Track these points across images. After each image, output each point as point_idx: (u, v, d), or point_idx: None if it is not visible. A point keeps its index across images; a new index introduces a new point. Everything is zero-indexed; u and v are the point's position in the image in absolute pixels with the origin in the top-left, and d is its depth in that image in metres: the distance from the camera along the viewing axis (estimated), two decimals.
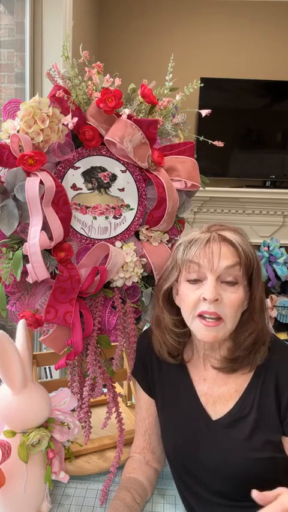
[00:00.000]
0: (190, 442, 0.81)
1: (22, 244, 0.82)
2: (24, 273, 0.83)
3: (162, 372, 0.89)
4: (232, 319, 0.75)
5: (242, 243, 0.76)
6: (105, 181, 0.93)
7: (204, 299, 0.73)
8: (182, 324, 0.83)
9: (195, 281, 0.76)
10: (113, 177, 0.93)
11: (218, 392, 0.81)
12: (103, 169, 0.92)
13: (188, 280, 0.77)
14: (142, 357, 0.93)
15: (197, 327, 0.76)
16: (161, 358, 0.87)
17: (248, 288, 0.78)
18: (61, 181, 0.89)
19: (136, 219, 0.95)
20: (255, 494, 0.58)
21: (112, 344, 0.93)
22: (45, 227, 0.81)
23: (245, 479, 0.76)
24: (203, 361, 0.84)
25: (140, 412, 0.94)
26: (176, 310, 0.83)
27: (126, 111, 0.88)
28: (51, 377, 1.88)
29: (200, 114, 0.98)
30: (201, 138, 1.00)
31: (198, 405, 0.82)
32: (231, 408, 0.79)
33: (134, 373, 0.96)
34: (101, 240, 0.93)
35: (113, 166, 0.93)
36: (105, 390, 0.96)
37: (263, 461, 0.75)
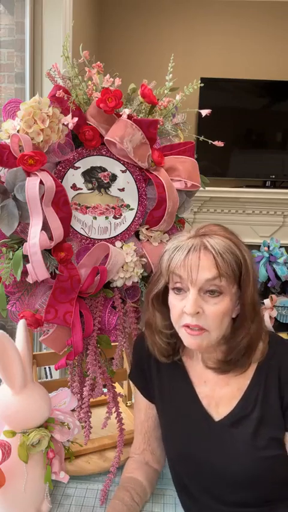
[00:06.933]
0: (192, 446, 0.80)
1: (22, 244, 0.82)
2: (24, 273, 0.83)
3: (161, 375, 0.88)
4: (216, 329, 0.74)
5: (224, 251, 0.72)
6: (105, 181, 0.93)
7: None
8: (171, 325, 0.81)
9: (180, 290, 0.75)
10: (113, 177, 0.93)
11: (221, 393, 0.80)
12: (103, 169, 0.92)
13: (173, 289, 0.77)
14: (140, 362, 0.92)
15: (183, 335, 0.77)
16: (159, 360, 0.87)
17: (238, 294, 0.76)
18: (61, 181, 0.89)
19: (136, 219, 0.95)
20: None
21: (112, 344, 0.93)
22: (45, 227, 0.81)
23: (251, 480, 0.74)
24: (202, 362, 0.83)
25: (139, 415, 0.93)
26: (169, 312, 0.81)
27: (126, 111, 0.88)
28: (51, 377, 1.88)
29: (200, 114, 0.98)
30: (201, 138, 1.00)
31: (199, 407, 0.81)
32: (234, 407, 0.78)
33: (132, 379, 0.95)
34: (101, 240, 0.93)
35: (113, 166, 0.93)
36: (105, 390, 0.96)
37: (268, 459, 0.74)
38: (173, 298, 0.77)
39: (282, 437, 0.75)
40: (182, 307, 0.74)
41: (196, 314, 0.72)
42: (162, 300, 0.82)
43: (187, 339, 0.75)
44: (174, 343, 0.84)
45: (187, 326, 0.74)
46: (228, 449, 0.76)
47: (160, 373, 0.88)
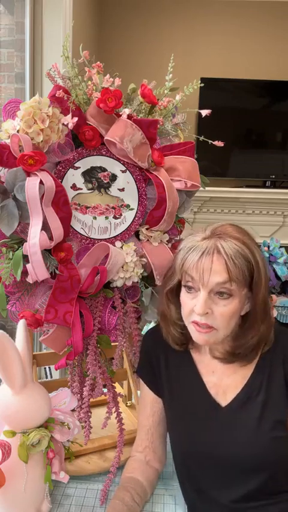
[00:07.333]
0: (202, 435, 0.81)
1: (22, 244, 0.82)
2: (24, 273, 0.83)
3: (169, 368, 0.90)
4: (224, 328, 0.77)
5: (237, 256, 0.74)
6: (105, 181, 0.93)
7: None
8: None
9: (190, 289, 0.78)
10: (113, 177, 0.93)
11: (228, 381, 0.83)
12: (103, 169, 0.92)
13: (185, 286, 0.80)
14: (148, 357, 0.93)
15: (192, 331, 0.80)
16: (167, 354, 0.89)
17: (249, 295, 0.78)
18: (61, 181, 0.89)
19: (136, 219, 0.95)
20: None
21: (112, 344, 0.93)
22: (45, 227, 0.81)
23: (257, 466, 0.76)
24: (209, 352, 0.86)
25: (144, 410, 0.93)
26: None
27: (126, 111, 0.88)
28: (51, 377, 1.88)
29: (200, 114, 0.98)
30: (201, 138, 1.00)
31: (208, 397, 0.83)
32: (240, 391, 0.81)
33: (140, 374, 0.96)
34: (101, 240, 0.93)
35: (113, 166, 0.93)
36: (105, 390, 0.96)
37: (274, 441, 0.76)
38: (184, 296, 0.80)
39: (285, 418, 0.78)
40: (192, 306, 0.77)
41: (205, 314, 0.75)
42: (176, 293, 0.84)
43: (195, 334, 0.79)
44: (187, 333, 0.86)
45: (196, 323, 0.77)
46: (236, 434, 0.78)
47: (169, 368, 0.90)
